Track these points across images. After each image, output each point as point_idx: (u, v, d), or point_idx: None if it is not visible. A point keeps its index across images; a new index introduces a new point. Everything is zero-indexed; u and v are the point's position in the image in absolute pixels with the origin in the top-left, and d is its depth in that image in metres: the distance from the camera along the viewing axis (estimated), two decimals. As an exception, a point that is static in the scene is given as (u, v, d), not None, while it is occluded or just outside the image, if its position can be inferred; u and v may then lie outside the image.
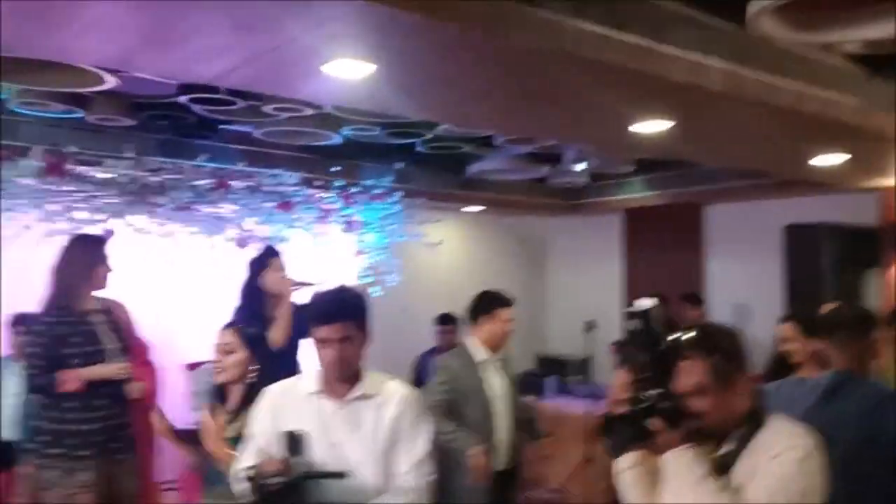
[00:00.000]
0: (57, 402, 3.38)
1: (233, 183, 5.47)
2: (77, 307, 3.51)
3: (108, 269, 3.65)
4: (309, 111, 4.89)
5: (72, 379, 3.38)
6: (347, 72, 2.85)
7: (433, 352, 5.55)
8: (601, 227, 8.12)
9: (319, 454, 2.24)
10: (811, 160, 4.70)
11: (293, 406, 2.32)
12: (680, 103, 3.43)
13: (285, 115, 5.01)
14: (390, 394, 2.33)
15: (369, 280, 6.09)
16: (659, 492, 1.87)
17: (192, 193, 5.30)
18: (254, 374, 2.89)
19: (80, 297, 3.53)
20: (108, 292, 3.74)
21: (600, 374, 6.98)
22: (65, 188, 4.96)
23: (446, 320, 5.55)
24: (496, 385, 3.74)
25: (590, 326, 6.30)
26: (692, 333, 1.92)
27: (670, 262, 7.25)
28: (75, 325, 3.47)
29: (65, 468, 3.29)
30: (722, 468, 1.83)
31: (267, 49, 2.73)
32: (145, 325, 4.30)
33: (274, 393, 2.39)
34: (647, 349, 1.95)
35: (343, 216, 5.89)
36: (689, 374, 1.85)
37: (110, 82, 4.13)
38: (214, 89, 4.44)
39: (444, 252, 7.82)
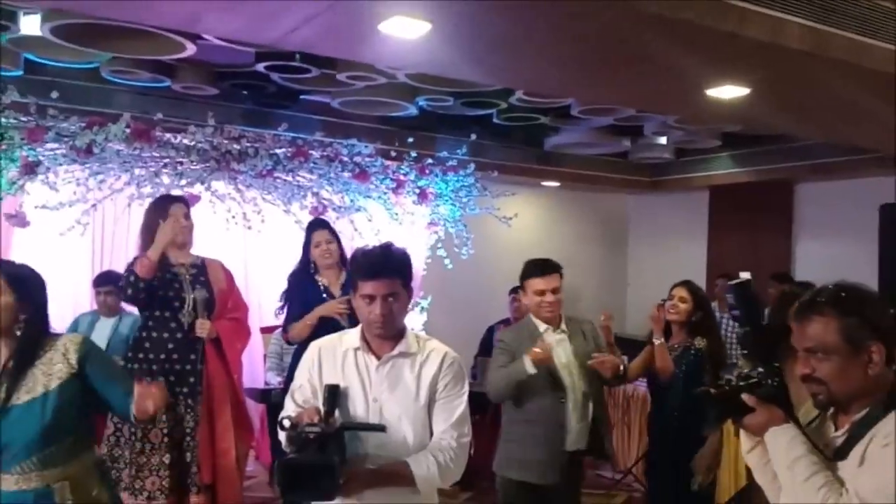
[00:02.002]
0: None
1: (311, 152, 5.55)
2: (164, 260, 3.70)
3: (186, 226, 3.80)
4: (382, 80, 4.92)
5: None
6: (404, 31, 2.83)
7: (506, 322, 5.51)
8: (685, 204, 7.85)
9: (359, 408, 2.25)
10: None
11: (336, 361, 2.33)
12: (758, 64, 3.25)
13: (360, 83, 5.06)
14: (430, 353, 2.31)
15: (441, 252, 6.09)
16: None
17: (272, 162, 5.42)
18: (23, 324, 2.38)
19: (168, 251, 3.72)
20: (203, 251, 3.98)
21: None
22: (152, 154, 5.16)
23: (517, 289, 5.48)
24: (562, 358, 3.57)
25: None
26: (832, 289, 1.72)
27: (757, 242, 6.94)
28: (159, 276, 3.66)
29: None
30: (837, 451, 1.66)
31: (323, 7, 2.74)
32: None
33: (319, 347, 2.41)
34: (747, 323, 1.84)
35: (416, 187, 5.90)
36: (818, 331, 1.67)
37: (190, 49, 4.27)
38: (290, 56, 4.53)
39: (522, 227, 7.71)
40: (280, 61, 4.60)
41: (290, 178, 5.53)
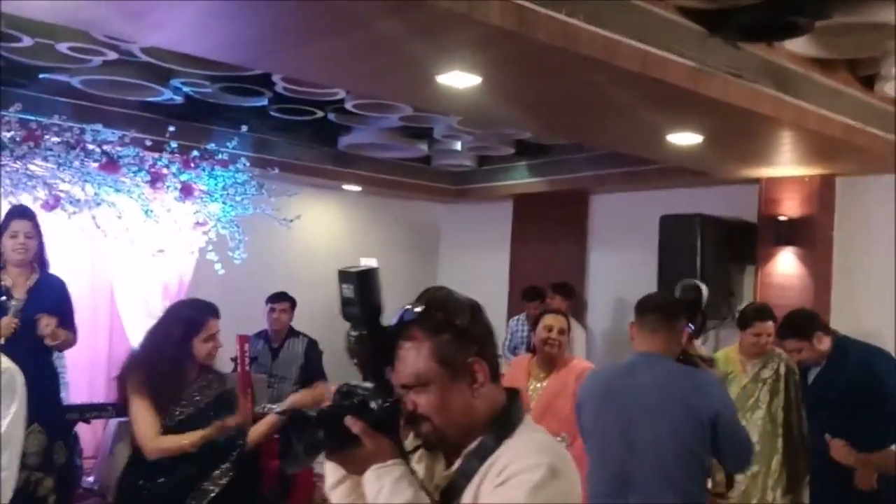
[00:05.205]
0: None
1: (47, 137, 4.88)
2: None
3: None
4: (113, 54, 4.35)
5: None
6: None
7: (263, 335, 4.99)
8: (493, 213, 7.68)
9: None
10: (666, 137, 4.26)
11: None
12: (486, 50, 2.96)
13: (94, 59, 4.47)
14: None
15: (212, 255, 5.53)
16: None
17: (-8, 145, 4.71)
18: None
19: None
20: None
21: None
22: None
23: (278, 299, 4.98)
24: None
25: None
26: (421, 302, 1.43)
27: (555, 252, 6.82)
28: None
29: None
30: (445, 492, 1.38)
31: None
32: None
33: None
34: (363, 324, 1.45)
35: (178, 182, 5.32)
36: (410, 360, 1.38)
37: None
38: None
39: (320, 231, 7.28)
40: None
41: (17, 166, 4.83)
